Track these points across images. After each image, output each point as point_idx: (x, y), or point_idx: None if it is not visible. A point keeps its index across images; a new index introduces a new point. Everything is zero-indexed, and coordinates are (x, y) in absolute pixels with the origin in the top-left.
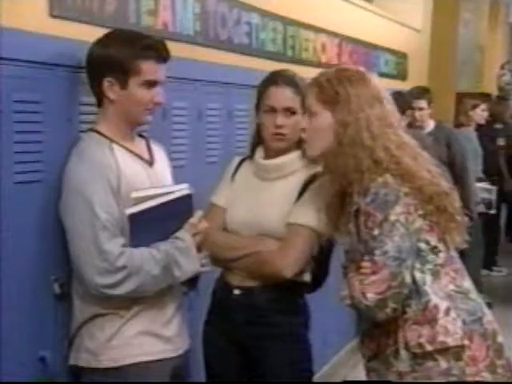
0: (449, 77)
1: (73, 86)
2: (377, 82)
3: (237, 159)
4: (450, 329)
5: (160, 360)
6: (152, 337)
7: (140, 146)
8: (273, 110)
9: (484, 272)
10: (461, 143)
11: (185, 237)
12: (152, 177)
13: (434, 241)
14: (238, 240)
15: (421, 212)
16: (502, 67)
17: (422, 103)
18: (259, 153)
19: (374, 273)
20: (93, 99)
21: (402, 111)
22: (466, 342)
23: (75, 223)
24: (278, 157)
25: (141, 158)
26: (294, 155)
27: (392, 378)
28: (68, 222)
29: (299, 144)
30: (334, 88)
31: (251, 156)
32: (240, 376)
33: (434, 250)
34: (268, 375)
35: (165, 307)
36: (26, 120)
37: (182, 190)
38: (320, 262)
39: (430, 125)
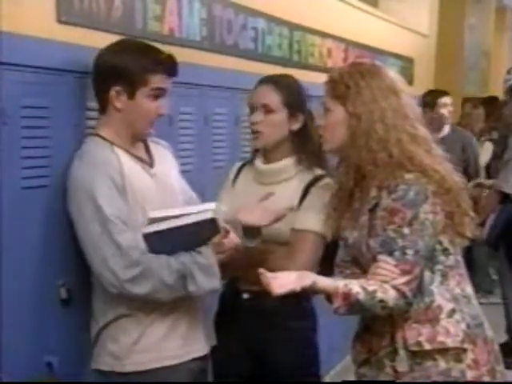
0: (455, 82)
1: (80, 92)
2: (392, 74)
3: (237, 165)
4: (452, 330)
5: (185, 362)
6: (177, 339)
7: (139, 148)
8: (253, 109)
9: None
10: (475, 149)
11: (207, 253)
12: (154, 178)
13: (446, 242)
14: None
15: (446, 209)
16: (509, 72)
17: (448, 99)
18: (259, 158)
19: (407, 272)
20: None
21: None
22: (468, 346)
23: (84, 223)
24: (276, 161)
25: (140, 159)
26: (292, 160)
27: (383, 379)
28: (77, 223)
29: (297, 149)
30: (345, 82)
31: (252, 161)
32: (245, 378)
33: (445, 251)
34: (276, 379)
35: (190, 309)
36: (34, 125)
37: (206, 211)
38: (324, 261)
39: (446, 129)
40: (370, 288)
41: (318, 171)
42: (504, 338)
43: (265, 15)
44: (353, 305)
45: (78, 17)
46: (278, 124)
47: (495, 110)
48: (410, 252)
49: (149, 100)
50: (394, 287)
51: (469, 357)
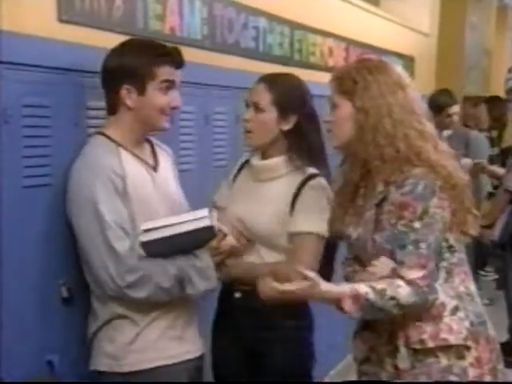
0: (456, 81)
1: (81, 91)
2: (399, 69)
3: (242, 159)
4: (455, 328)
5: (182, 362)
6: (173, 339)
7: (145, 150)
8: (247, 106)
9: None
10: (476, 147)
11: (203, 256)
12: (156, 182)
13: (451, 239)
14: (252, 266)
15: (451, 206)
16: (509, 71)
17: (456, 108)
18: (257, 154)
19: (422, 266)
20: (100, 103)
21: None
22: (471, 344)
23: (83, 226)
24: (270, 158)
25: (145, 162)
26: (282, 159)
27: (385, 376)
28: (77, 226)
29: (289, 149)
30: (352, 77)
31: (246, 163)
32: (244, 377)
33: (451, 248)
34: (270, 378)
35: (185, 309)
36: (35, 124)
37: (202, 219)
38: (325, 259)
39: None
40: (379, 286)
41: (311, 170)
42: (504, 337)
43: (266, 14)
44: (364, 306)
45: (78, 16)
46: (266, 123)
47: (496, 109)
48: (423, 245)
49: (160, 93)
50: (410, 282)
51: (471, 354)
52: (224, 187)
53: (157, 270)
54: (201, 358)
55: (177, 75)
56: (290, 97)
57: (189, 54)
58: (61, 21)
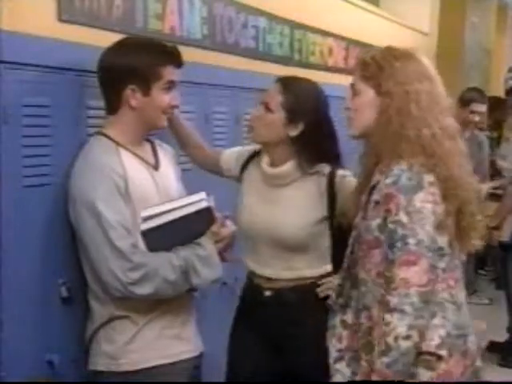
0: (456, 80)
1: (81, 90)
2: (426, 60)
3: (249, 148)
4: (427, 334)
5: (180, 361)
6: (172, 338)
7: (146, 149)
8: (260, 104)
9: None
10: (487, 149)
11: (206, 244)
12: (158, 181)
13: (440, 241)
14: None
15: (445, 205)
16: (510, 70)
17: (481, 108)
18: (264, 158)
19: (412, 264)
20: (100, 103)
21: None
22: (443, 353)
23: (86, 226)
24: (280, 164)
25: (146, 161)
26: (293, 163)
27: (360, 370)
28: (79, 227)
29: (297, 154)
30: (378, 63)
31: (259, 154)
32: (265, 375)
33: (439, 251)
34: (293, 374)
35: (183, 308)
36: (35, 124)
37: (200, 201)
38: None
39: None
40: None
41: (326, 169)
42: (504, 337)
43: (266, 14)
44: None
45: (78, 15)
46: (271, 124)
47: (495, 109)
48: (411, 241)
49: (163, 93)
50: (396, 289)
51: (441, 367)
52: (233, 155)
53: (161, 263)
54: (199, 356)
55: (178, 75)
56: (300, 103)
57: (189, 53)
58: (61, 20)
